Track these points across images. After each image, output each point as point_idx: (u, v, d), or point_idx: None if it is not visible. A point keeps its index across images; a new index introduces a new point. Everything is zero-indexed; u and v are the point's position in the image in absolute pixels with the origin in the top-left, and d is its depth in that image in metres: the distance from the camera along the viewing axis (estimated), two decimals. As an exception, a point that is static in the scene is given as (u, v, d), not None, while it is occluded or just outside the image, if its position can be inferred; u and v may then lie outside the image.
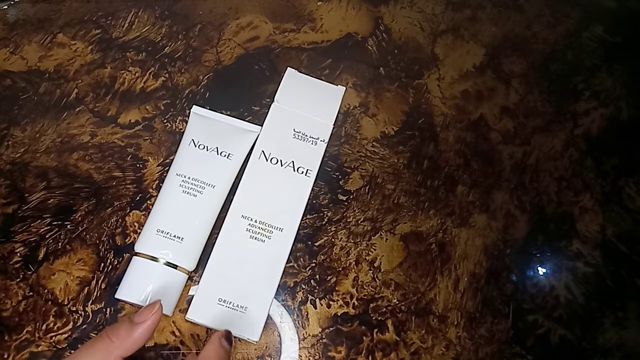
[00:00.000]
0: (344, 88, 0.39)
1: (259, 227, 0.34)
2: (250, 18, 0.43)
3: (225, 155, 0.36)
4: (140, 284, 0.32)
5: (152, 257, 0.33)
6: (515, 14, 0.45)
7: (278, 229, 0.34)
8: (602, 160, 0.42)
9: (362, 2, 0.44)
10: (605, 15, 0.46)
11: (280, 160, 0.36)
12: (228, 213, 0.34)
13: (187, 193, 0.34)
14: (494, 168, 0.41)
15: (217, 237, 0.34)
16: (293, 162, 0.36)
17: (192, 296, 0.33)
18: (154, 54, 0.41)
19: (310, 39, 0.43)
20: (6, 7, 0.41)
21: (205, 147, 0.36)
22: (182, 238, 0.33)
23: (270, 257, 0.34)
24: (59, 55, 0.40)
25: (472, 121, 0.42)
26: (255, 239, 0.34)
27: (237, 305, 0.32)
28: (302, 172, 0.35)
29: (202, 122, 0.37)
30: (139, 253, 0.33)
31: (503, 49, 0.44)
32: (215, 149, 0.36)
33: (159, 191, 0.36)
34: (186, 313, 0.33)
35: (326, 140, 0.37)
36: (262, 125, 0.37)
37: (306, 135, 0.36)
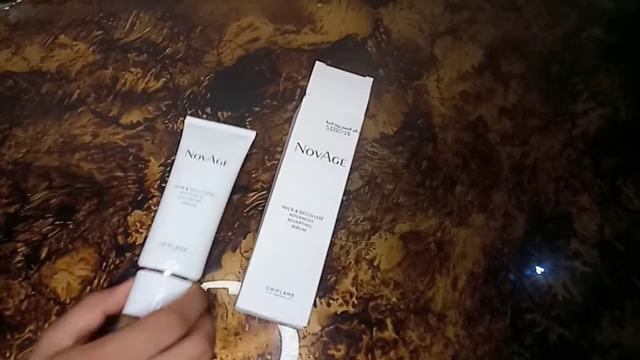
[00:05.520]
0: (372, 79, 0.38)
1: (299, 217, 0.34)
2: (250, 19, 0.43)
3: (221, 163, 0.36)
4: (147, 297, 0.31)
5: (157, 269, 0.32)
6: (514, 15, 0.46)
7: (318, 217, 0.35)
8: (600, 161, 0.42)
9: (361, 3, 0.44)
10: (603, 16, 0.47)
11: (316, 152, 0.36)
12: (269, 204, 0.35)
13: (187, 204, 0.34)
14: (492, 168, 0.41)
15: (260, 227, 0.34)
16: (328, 152, 0.36)
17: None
18: (155, 55, 0.41)
19: (310, 40, 0.43)
20: (8, 8, 0.41)
21: (201, 157, 0.36)
22: (186, 249, 0.33)
23: (312, 245, 0.34)
24: (61, 56, 0.41)
25: (470, 122, 0.42)
26: (297, 228, 0.34)
27: (284, 293, 0.33)
28: (337, 162, 0.36)
29: (196, 132, 0.37)
30: (144, 267, 0.32)
31: (502, 50, 0.44)
32: (211, 157, 0.36)
33: (160, 194, 0.36)
34: (235, 302, 0.32)
35: (358, 130, 0.37)
36: (295, 118, 0.37)
37: (339, 127, 0.37)
